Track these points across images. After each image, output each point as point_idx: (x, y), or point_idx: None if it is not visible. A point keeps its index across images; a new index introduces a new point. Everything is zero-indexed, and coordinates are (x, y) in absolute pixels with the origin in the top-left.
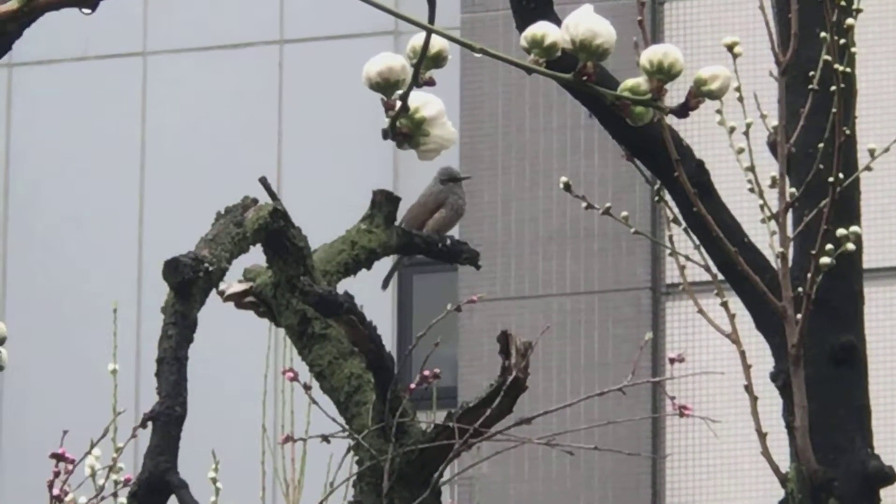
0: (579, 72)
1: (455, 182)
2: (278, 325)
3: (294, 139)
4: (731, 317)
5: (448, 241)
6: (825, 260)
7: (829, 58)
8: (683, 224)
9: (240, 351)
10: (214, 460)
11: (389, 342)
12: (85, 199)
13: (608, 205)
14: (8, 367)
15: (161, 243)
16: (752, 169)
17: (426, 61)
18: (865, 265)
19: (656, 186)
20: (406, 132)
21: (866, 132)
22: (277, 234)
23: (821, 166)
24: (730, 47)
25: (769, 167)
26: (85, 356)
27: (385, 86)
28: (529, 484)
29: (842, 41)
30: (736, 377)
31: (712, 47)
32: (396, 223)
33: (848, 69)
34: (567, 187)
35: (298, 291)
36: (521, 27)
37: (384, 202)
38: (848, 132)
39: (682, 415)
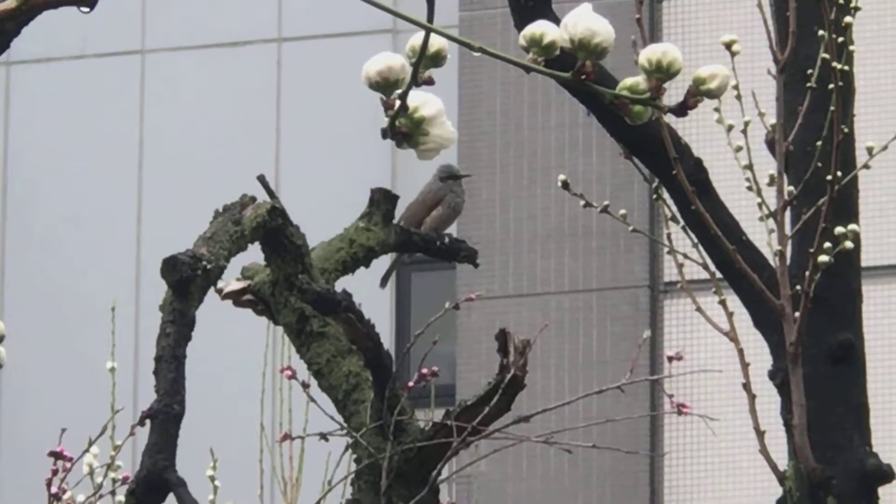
0: (578, 70)
1: (454, 180)
2: (276, 323)
3: (292, 137)
4: (730, 315)
5: (446, 240)
6: (823, 258)
7: (827, 56)
8: (682, 222)
9: (238, 349)
10: (213, 458)
11: (388, 340)
12: (83, 198)
13: (606, 203)
14: (6, 365)
15: (159, 241)
16: (750, 167)
17: (425, 60)
18: (863, 263)
19: (654, 185)
20: (405, 131)
21: (864, 130)
22: (275, 232)
23: (819, 164)
24: (728, 45)
25: (767, 165)
26: (83, 354)
27: (384, 85)
28: (528, 482)
29: (840, 39)
30: (734, 375)
31: (710, 46)
32: (395, 221)
33: (846, 67)
34: (565, 185)
35: (297, 289)
36: (520, 26)
37: (382, 200)
38: (846, 130)
39: (680, 413)
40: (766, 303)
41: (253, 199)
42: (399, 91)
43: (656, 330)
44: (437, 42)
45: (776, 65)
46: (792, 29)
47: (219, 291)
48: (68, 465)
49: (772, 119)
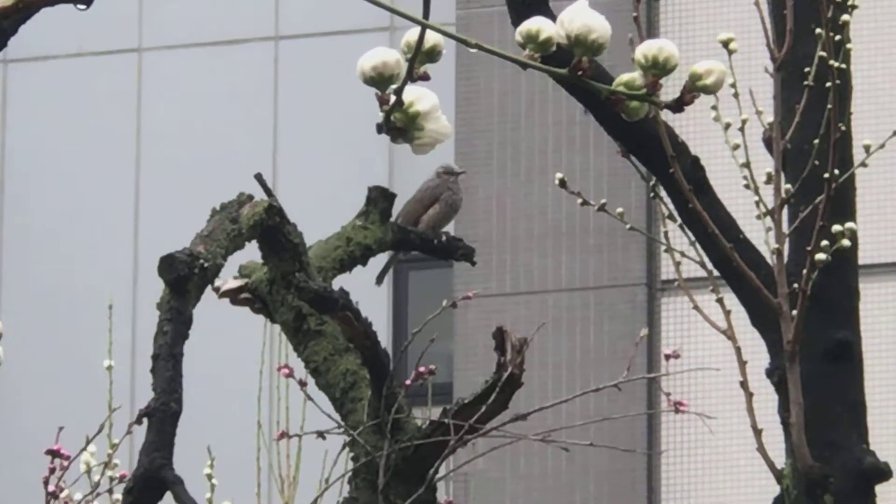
0: (574, 67)
1: (451, 177)
2: (274, 321)
3: (289, 135)
4: (727, 313)
5: (443, 238)
6: (820, 256)
7: (824, 54)
8: (679, 220)
9: (235, 347)
10: (210, 457)
11: (385, 338)
12: (80, 195)
13: (603, 201)
14: (3, 363)
15: (156, 239)
16: (747, 165)
17: (420, 56)
18: (861, 261)
19: (652, 183)
20: (400, 126)
21: (861, 128)
22: (273, 230)
23: (816, 162)
24: (725, 43)
25: (764, 163)
26: (80, 352)
27: (379, 80)
28: (525, 480)
29: (837, 37)
30: (731, 373)
31: (707, 43)
32: (392, 219)
33: (843, 65)
34: (562, 183)
35: (294, 288)
36: (517, 23)
37: (380, 198)
38: (843, 128)
39: (677, 411)
40: (763, 301)
41: (250, 197)
42: (394, 86)
43: (653, 328)
44: (432, 38)
45: (773, 63)
46: (789, 27)
47: (216, 290)
48: (66, 463)
49: (769, 117)
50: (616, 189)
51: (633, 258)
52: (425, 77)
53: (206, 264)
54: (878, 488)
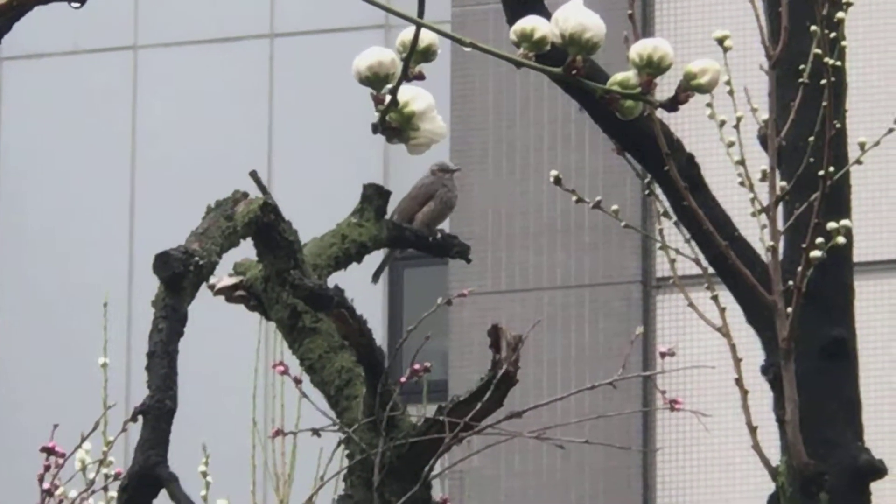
0: (569, 66)
1: (446, 174)
2: (269, 318)
3: (285, 133)
4: (722, 310)
5: (438, 235)
6: (816, 253)
7: (819, 51)
8: (674, 218)
9: (230, 345)
10: (205, 454)
11: (380, 336)
12: (75, 193)
13: (599, 198)
14: None
15: (151, 237)
16: (742, 163)
17: (415, 55)
18: (856, 259)
19: (647, 180)
20: (395, 126)
21: (856, 126)
22: (268, 227)
23: (811, 160)
24: (720, 41)
25: (759, 161)
26: (75, 350)
27: (374, 80)
28: (520, 478)
29: (832, 35)
30: (727, 371)
31: (703, 41)
32: (387, 216)
33: (838, 63)
34: (557, 181)
35: (289, 285)
36: (511, 21)
37: (375, 196)
38: (838, 126)
39: (672, 409)
40: (758, 298)
41: (245, 194)
42: (389, 86)
43: (649, 325)
44: (427, 37)
45: (768, 60)
46: (784, 24)
47: (211, 287)
48: (61, 460)
49: (764, 114)
50: (611, 187)
51: (628, 256)
52: (420, 76)
53: (201, 262)
54: (873, 485)
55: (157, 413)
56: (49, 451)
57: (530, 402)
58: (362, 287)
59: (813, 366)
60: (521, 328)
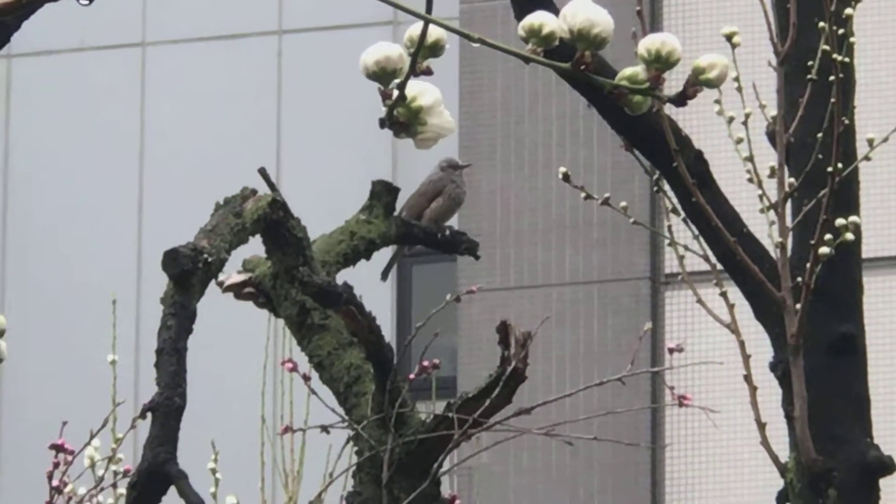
0: (577, 61)
1: (455, 170)
2: (277, 315)
3: (293, 129)
4: (731, 307)
5: (447, 232)
6: (824, 250)
7: (827, 48)
8: (682, 214)
9: (239, 342)
10: (214, 451)
11: (389, 332)
12: (84, 190)
13: (607, 195)
14: (7, 358)
15: (160, 234)
16: (751, 159)
17: (423, 51)
18: (864, 255)
19: (655, 176)
20: (403, 121)
21: (865, 122)
22: (276, 224)
23: (819, 156)
24: (729, 37)
25: (768, 157)
26: (84, 347)
27: (382, 75)
28: (529, 474)
29: (840, 31)
30: (735, 367)
31: (711, 37)
32: (396, 213)
33: (847, 59)
34: (566, 177)
35: (298, 282)
36: (520, 16)
37: (383, 192)
38: (847, 122)
39: (681, 405)
40: (767, 295)
41: (254, 191)
42: (397, 81)
43: (657, 322)
44: (435, 32)
45: (777, 56)
46: (792, 20)
47: (220, 284)
48: (70, 457)
49: (772, 111)
50: (619, 183)
51: (636, 252)
52: (428, 72)
53: (209, 259)
54: (882, 482)
55: (166, 410)
56: (58, 449)
57: (539, 399)
58: (371, 284)
59: (821, 362)
60: (529, 325)
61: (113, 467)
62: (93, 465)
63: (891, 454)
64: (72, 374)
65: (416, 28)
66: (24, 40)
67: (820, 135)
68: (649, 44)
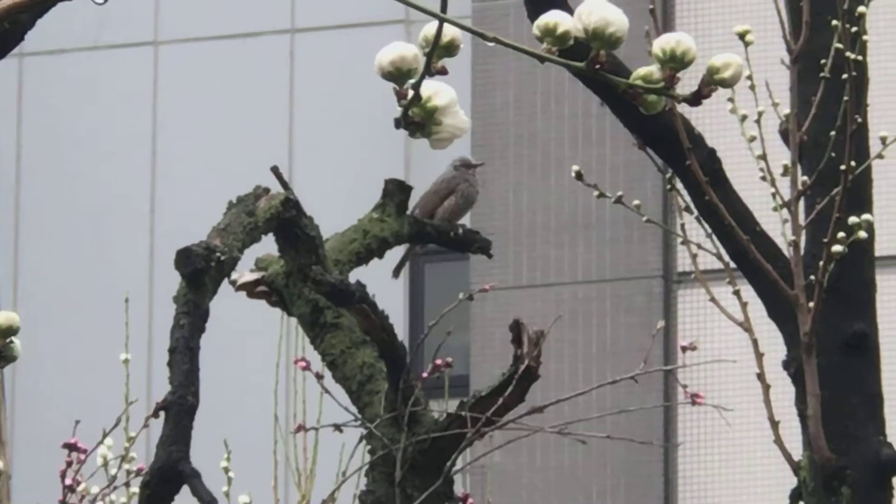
0: (592, 60)
1: (468, 169)
2: (290, 314)
3: (306, 128)
4: (744, 305)
5: (460, 230)
6: (837, 248)
7: (840, 46)
8: (695, 212)
9: (252, 340)
10: (227, 450)
11: (402, 331)
12: (96, 189)
13: (620, 193)
14: (21, 357)
15: (173, 233)
16: (764, 157)
17: (438, 50)
18: (877, 253)
19: (668, 175)
20: (418, 121)
21: (878, 120)
22: (289, 223)
23: (832, 154)
24: (741, 35)
25: (781, 155)
26: (97, 346)
27: (397, 75)
28: (542, 472)
29: (853, 29)
30: (748, 365)
31: (723, 35)
32: (409, 212)
33: (860, 57)
34: (579, 176)
35: (311, 281)
36: (533, 15)
37: (396, 191)
38: (860, 120)
39: (694, 403)
40: (780, 293)
41: (267, 190)
42: (412, 81)
43: (670, 320)
44: (450, 32)
45: (790, 55)
46: (805, 19)
47: (233, 283)
48: (82, 456)
49: (785, 109)
50: (632, 181)
51: (649, 250)
52: (443, 71)
53: (222, 257)
54: None
55: (179, 409)
56: (71, 447)
57: (552, 397)
58: (384, 282)
59: (835, 360)
60: (542, 323)
61: (126, 466)
62: (106, 464)
63: None
64: (85, 373)
65: (430, 28)
66: (36, 38)
67: (833, 133)
68: (664, 43)
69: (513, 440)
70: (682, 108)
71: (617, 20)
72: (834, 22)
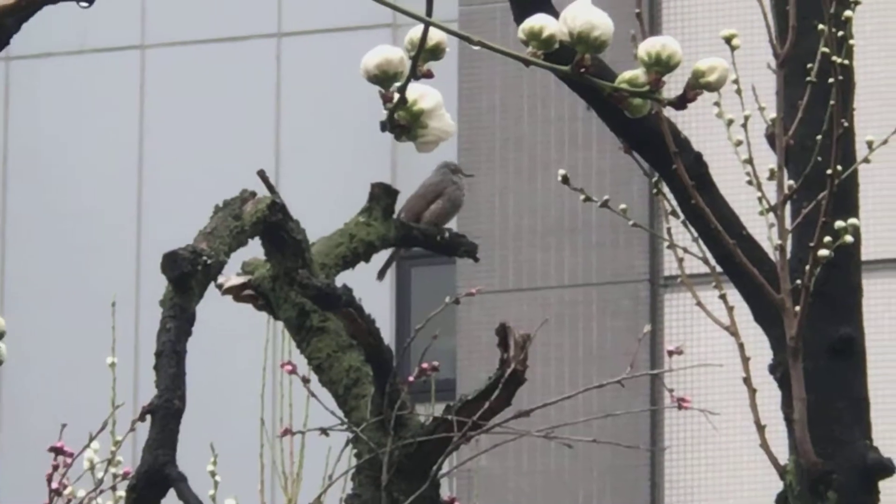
0: (577, 64)
1: (454, 173)
2: (277, 318)
3: (292, 132)
4: (730, 309)
5: (446, 234)
6: (823, 252)
7: (827, 50)
8: (682, 216)
9: (238, 344)
10: (213, 453)
11: (388, 335)
12: (83, 193)
13: (606, 197)
14: (6, 360)
15: (159, 236)
16: (750, 161)
17: (424, 54)
18: (864, 257)
19: (654, 179)
20: (404, 124)
21: (865, 124)
22: (275, 226)
23: (819, 158)
24: (728, 39)
25: (767, 159)
26: (83, 350)
27: (383, 78)
28: (528, 476)
29: (840, 33)
30: (735, 369)
31: (710, 39)
32: (395, 214)
33: (846, 61)
34: (565, 180)
35: (297, 284)
36: (519, 19)
37: (382, 195)
38: (846, 124)
39: (680, 407)
40: (766, 297)
41: (253, 194)
42: (398, 84)
43: (656, 324)
44: (436, 35)
45: (776, 59)
46: (792, 23)
47: (219, 286)
48: (69, 460)
49: (772, 113)
50: (618, 185)
51: (635, 254)
52: (429, 75)
53: (209, 261)
54: (882, 484)
55: (166, 412)
56: (57, 451)
57: (538, 401)
58: (370, 286)
59: (821, 364)
60: (528, 327)
61: (112, 470)
62: (92, 468)
63: (890, 456)
64: (71, 377)
65: (416, 31)
66: (23, 42)
67: (819, 137)
68: (649, 47)
69: (499, 444)
70: (669, 112)
71: (602, 24)
72: (820, 26)
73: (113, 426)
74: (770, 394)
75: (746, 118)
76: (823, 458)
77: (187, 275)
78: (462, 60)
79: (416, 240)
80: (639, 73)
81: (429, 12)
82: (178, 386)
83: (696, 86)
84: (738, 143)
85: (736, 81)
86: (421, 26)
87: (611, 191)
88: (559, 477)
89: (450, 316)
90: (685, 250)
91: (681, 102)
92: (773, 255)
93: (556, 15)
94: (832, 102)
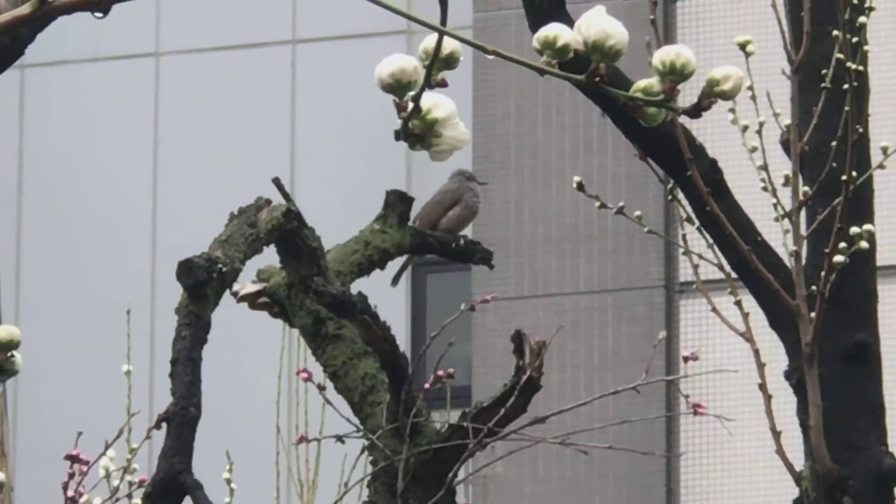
0: (592, 73)
1: (469, 180)
2: (292, 325)
3: (307, 139)
4: (745, 315)
5: (461, 241)
6: (838, 258)
7: (841, 56)
8: (697, 223)
9: (254, 352)
10: (229, 461)
11: (403, 342)
12: (98, 200)
13: (621, 204)
14: (23, 370)
15: (174, 244)
16: (765, 167)
17: (438, 63)
18: (879, 263)
19: (669, 185)
20: (418, 133)
21: (879, 130)
22: (291, 234)
23: (834, 164)
24: (742, 46)
25: (782, 166)
26: (99, 358)
27: (397, 87)
28: (544, 483)
29: (854, 39)
30: (750, 375)
31: (725, 46)
32: (410, 221)
33: (861, 67)
34: (580, 187)
35: (312, 292)
36: (534, 27)
37: (397, 202)
38: (861, 130)
39: (696, 413)
40: (781, 303)
41: (268, 201)
42: (412, 93)
43: (672, 330)
44: (450, 44)
45: (791, 65)
46: (806, 29)
47: (234, 294)
48: (85, 468)
49: (787, 119)
50: (634, 192)
51: (651, 261)
52: (443, 84)
53: (224, 269)
54: None
55: (181, 420)
56: (73, 459)
57: (554, 408)
58: (385, 293)
59: (836, 370)
60: (544, 334)
61: (128, 478)
62: (108, 476)
63: None
64: (87, 385)
65: (430, 40)
66: (37, 50)
67: (834, 143)
68: (664, 56)
69: (515, 451)
70: (683, 119)
71: (617, 33)
72: (835, 32)
73: (129, 434)
74: (785, 400)
75: (761, 124)
76: (839, 465)
77: (203, 282)
78: (476, 68)
79: (432, 247)
80: (653, 82)
81: (443, 21)
82: (193, 394)
83: (711, 94)
84: (753, 150)
85: (751, 88)
86: (435, 35)
87: (626, 197)
88: (575, 483)
89: (465, 323)
90: (700, 256)
91: (695, 111)
92: (788, 262)
93: (570, 23)
94: (847, 108)
